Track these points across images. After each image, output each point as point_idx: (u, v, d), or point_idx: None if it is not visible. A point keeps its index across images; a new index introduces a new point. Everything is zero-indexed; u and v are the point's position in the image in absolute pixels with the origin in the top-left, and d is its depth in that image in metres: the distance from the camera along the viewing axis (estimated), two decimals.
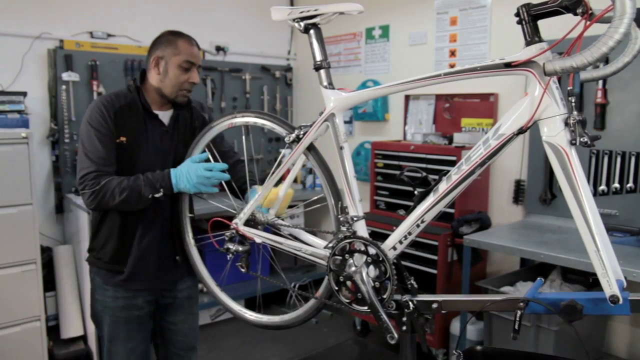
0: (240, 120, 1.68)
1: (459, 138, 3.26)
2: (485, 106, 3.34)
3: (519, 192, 3.19)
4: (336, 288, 1.40)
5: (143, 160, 1.82)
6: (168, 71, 1.81)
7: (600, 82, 2.71)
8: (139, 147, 1.82)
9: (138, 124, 1.82)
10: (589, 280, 2.63)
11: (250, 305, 2.29)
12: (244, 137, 1.97)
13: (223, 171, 1.75)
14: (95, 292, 1.94)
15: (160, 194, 1.75)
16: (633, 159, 2.66)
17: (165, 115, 1.89)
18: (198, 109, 2.00)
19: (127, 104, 1.82)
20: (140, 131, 1.83)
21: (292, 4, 4.63)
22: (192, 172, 1.73)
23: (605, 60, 1.82)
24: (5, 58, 3.29)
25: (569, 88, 1.06)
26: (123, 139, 1.80)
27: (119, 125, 1.79)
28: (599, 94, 2.73)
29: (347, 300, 1.39)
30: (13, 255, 2.78)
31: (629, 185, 2.68)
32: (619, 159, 2.71)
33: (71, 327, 3.25)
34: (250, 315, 1.75)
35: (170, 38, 1.83)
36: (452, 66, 3.48)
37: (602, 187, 2.75)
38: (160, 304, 2.00)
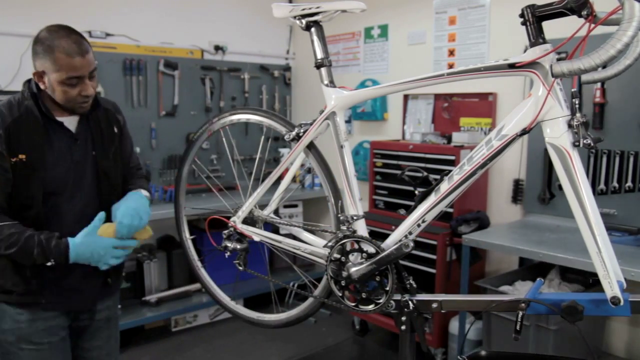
0: (237, 117, 1.68)
1: (457, 137, 3.26)
2: (484, 105, 3.34)
3: (517, 192, 3.20)
4: (336, 287, 1.40)
5: (51, 176, 1.57)
6: (54, 88, 1.53)
7: None
8: (43, 162, 1.56)
9: (38, 136, 1.56)
10: (588, 280, 2.64)
11: (248, 304, 2.29)
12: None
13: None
14: (1, 322, 1.61)
15: (51, 263, 1.52)
16: (632, 158, 2.66)
17: (71, 122, 1.64)
18: (112, 110, 1.77)
19: (22, 114, 1.55)
20: (41, 144, 1.56)
21: (290, 1, 4.63)
22: (99, 249, 1.56)
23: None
24: (3, 57, 3.27)
25: (572, 90, 1.06)
26: (22, 156, 1.53)
27: (14, 142, 1.52)
28: (598, 93, 2.74)
29: (346, 298, 1.39)
30: None
31: (627, 184, 2.68)
32: (617, 159, 2.71)
33: None
34: (249, 314, 1.75)
35: (47, 45, 1.50)
36: (450, 66, 3.49)
37: (601, 187, 2.75)
38: (73, 327, 1.73)
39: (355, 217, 1.39)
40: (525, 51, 1.09)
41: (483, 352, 1.37)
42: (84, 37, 1.55)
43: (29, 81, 1.61)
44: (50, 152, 1.58)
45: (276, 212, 1.72)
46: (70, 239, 1.54)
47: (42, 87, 1.55)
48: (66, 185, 1.61)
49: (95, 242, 1.56)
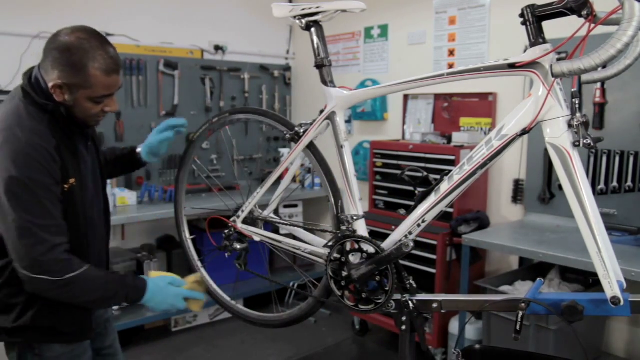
0: (236, 117, 1.69)
1: (457, 137, 3.26)
2: (484, 106, 3.34)
3: (517, 192, 3.20)
4: (336, 287, 1.40)
5: (91, 192, 1.46)
6: (78, 103, 1.36)
7: None
8: (86, 179, 1.43)
9: (74, 151, 1.41)
10: (588, 280, 2.64)
11: (248, 304, 2.29)
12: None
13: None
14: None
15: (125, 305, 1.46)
16: (632, 158, 2.66)
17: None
18: None
19: (55, 128, 1.36)
20: (78, 159, 1.42)
21: (290, 1, 4.63)
22: (171, 297, 1.51)
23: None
24: (3, 57, 3.27)
25: (572, 90, 1.06)
26: (72, 180, 1.37)
27: (65, 164, 1.35)
28: (598, 93, 2.74)
29: (346, 299, 1.39)
30: None
31: (627, 184, 2.68)
32: (617, 158, 2.71)
33: None
34: (249, 313, 1.75)
35: (80, 57, 1.29)
36: (451, 66, 3.48)
37: (601, 186, 2.75)
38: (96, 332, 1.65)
39: (355, 217, 1.39)
40: (525, 51, 1.09)
41: (477, 347, 1.37)
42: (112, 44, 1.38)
43: (32, 84, 1.37)
44: (84, 166, 1.44)
45: (276, 212, 1.73)
46: (146, 278, 1.47)
47: (58, 99, 1.34)
48: (94, 196, 1.49)
49: (173, 289, 1.52)
